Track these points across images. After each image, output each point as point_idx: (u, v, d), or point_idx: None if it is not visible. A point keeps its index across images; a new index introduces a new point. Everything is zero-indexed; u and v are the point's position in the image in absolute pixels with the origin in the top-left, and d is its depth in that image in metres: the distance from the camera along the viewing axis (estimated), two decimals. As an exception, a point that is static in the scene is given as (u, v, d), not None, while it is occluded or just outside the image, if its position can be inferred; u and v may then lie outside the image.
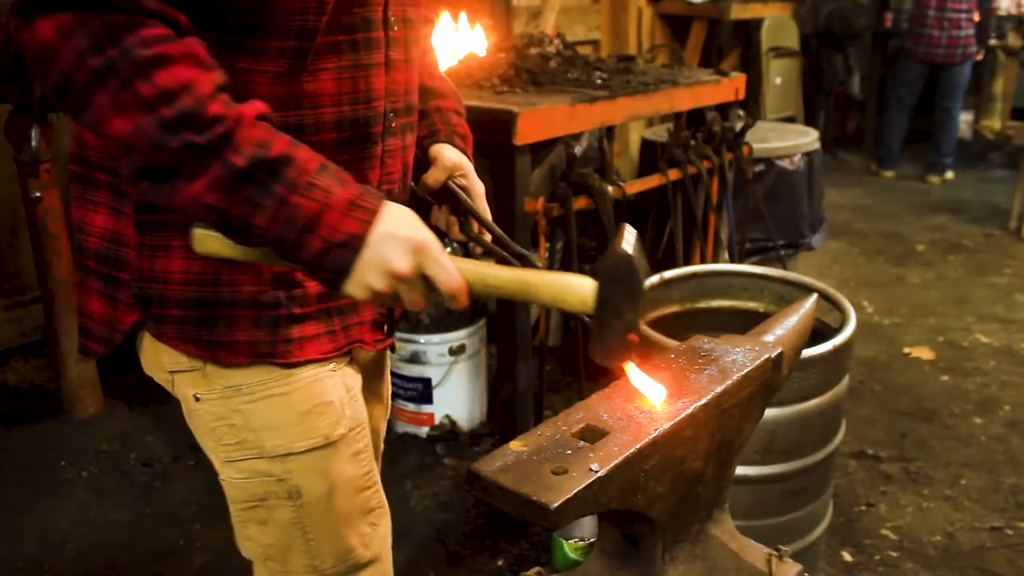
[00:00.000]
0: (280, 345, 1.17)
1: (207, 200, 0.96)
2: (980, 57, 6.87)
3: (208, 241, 1.05)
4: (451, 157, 1.38)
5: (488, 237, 1.39)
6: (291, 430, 1.20)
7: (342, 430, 1.24)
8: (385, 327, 1.35)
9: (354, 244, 0.99)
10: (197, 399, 1.19)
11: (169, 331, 1.16)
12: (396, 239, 1.00)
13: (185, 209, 0.98)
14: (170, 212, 1.10)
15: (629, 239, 1.06)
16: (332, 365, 1.22)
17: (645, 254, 1.07)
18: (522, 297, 1.07)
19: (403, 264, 1.00)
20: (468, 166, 1.41)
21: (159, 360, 1.20)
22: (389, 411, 1.54)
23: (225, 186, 0.95)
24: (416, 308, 1.06)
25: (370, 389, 1.41)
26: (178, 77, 0.93)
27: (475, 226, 1.40)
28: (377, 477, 1.32)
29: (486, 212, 1.41)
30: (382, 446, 1.54)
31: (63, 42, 0.91)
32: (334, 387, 1.22)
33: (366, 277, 1.00)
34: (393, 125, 1.23)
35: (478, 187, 1.42)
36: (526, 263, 1.27)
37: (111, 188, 1.16)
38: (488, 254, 1.35)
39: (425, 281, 1.03)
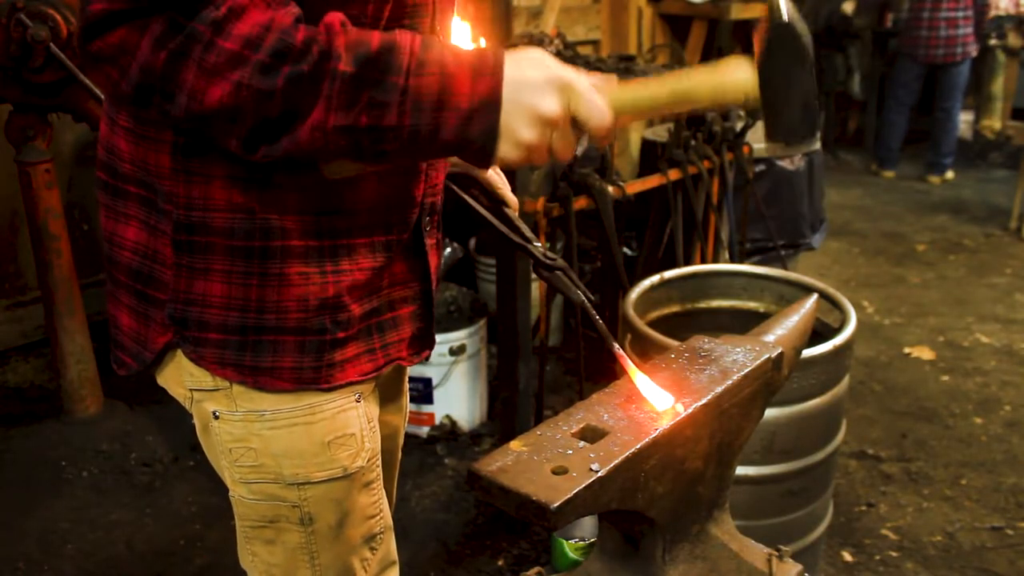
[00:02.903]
0: (324, 370, 1.14)
1: (332, 123, 0.92)
2: (975, 54, 6.87)
3: (337, 168, 1.02)
4: None
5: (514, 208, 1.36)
6: (312, 460, 1.17)
7: (360, 462, 1.22)
8: (423, 339, 1.31)
9: (491, 103, 0.94)
10: (216, 416, 1.16)
11: (209, 355, 1.12)
12: (536, 84, 0.96)
13: (315, 148, 0.94)
14: (213, 234, 1.07)
15: (783, 4, 0.98)
16: (358, 395, 1.20)
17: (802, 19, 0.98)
18: (676, 105, 1.01)
19: (552, 105, 0.96)
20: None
21: (180, 376, 1.17)
22: (407, 419, 1.52)
23: (343, 100, 0.91)
24: (567, 158, 1.01)
25: (390, 399, 1.40)
26: (255, 21, 0.90)
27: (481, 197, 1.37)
28: (384, 503, 1.31)
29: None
30: (400, 455, 1.52)
31: (139, 36, 0.89)
32: (357, 419, 1.20)
33: (516, 132, 0.96)
34: None
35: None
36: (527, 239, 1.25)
37: (144, 202, 1.11)
38: (486, 243, 1.33)
39: (574, 123, 0.98)
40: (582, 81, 0.99)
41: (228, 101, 0.90)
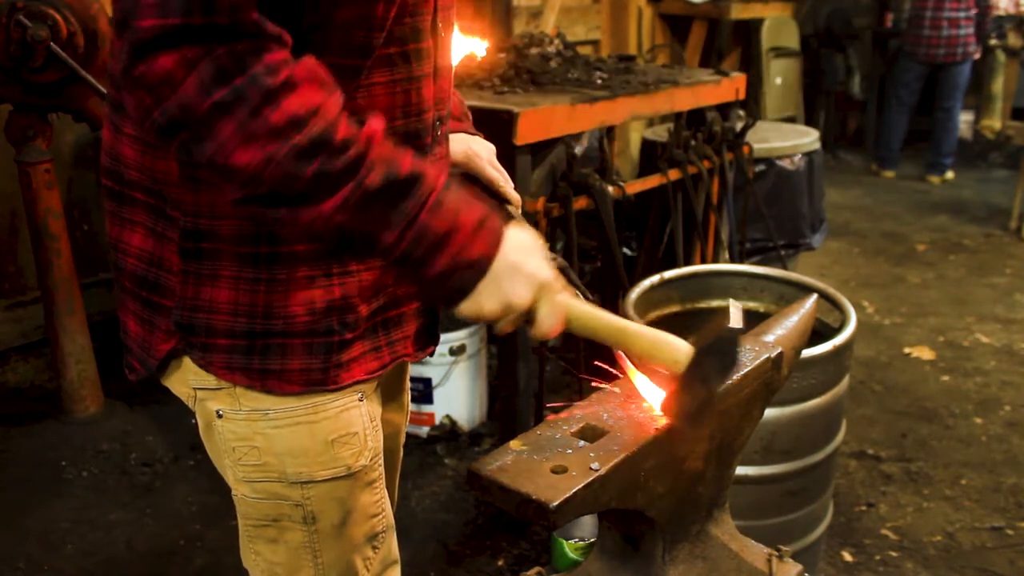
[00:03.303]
0: (332, 371, 1.15)
1: (335, 220, 0.95)
2: (978, 56, 6.87)
3: None
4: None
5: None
6: (315, 459, 1.18)
7: (364, 461, 1.22)
8: (428, 336, 1.32)
9: (480, 267, 1.00)
10: (220, 415, 1.16)
11: (217, 360, 1.12)
12: (522, 273, 1.02)
13: (308, 228, 0.96)
14: (220, 241, 1.07)
15: (737, 316, 1.08)
16: (361, 395, 1.21)
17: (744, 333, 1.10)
18: (614, 345, 1.09)
19: (523, 299, 1.02)
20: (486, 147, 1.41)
21: (184, 376, 1.17)
22: (408, 418, 1.52)
23: (356, 207, 0.94)
24: (501, 334, 1.08)
25: (392, 398, 1.40)
26: (306, 102, 0.91)
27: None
28: (387, 502, 1.31)
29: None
30: (402, 453, 1.52)
31: (187, 74, 0.88)
32: (360, 417, 1.21)
33: (482, 301, 1.02)
34: (439, 134, 1.22)
35: (488, 147, 1.41)
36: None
37: (150, 209, 1.11)
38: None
39: (530, 315, 1.05)
40: (555, 288, 1.05)
41: (253, 168, 0.91)
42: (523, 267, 1.02)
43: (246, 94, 0.88)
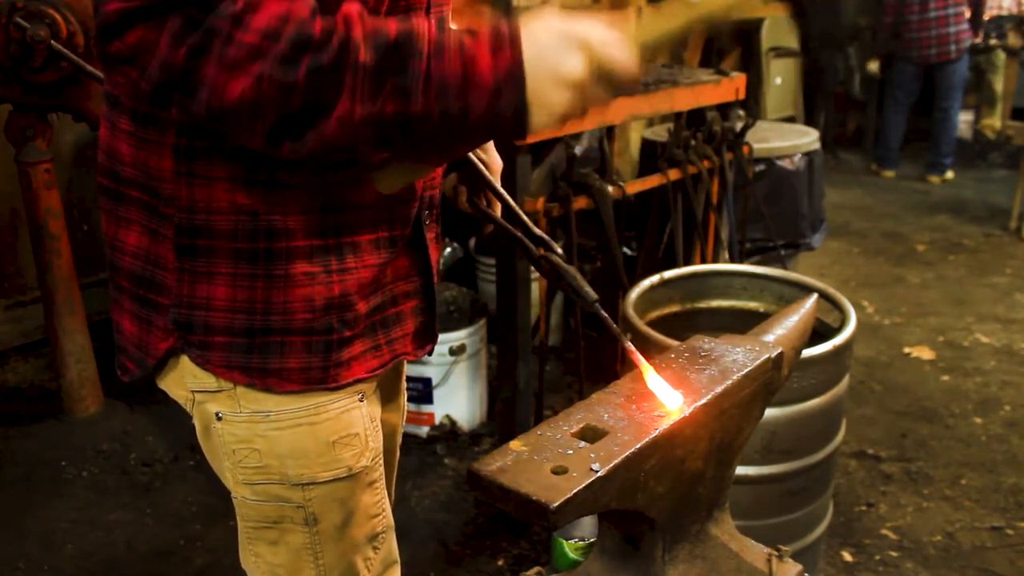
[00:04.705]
0: (331, 370, 1.14)
1: (358, 115, 0.91)
2: (978, 40, 6.87)
3: (386, 177, 1.02)
4: None
5: (498, 211, 1.37)
6: (317, 460, 1.17)
7: (365, 462, 1.22)
8: (426, 334, 1.31)
9: (515, 76, 0.93)
10: (219, 418, 1.16)
11: (215, 358, 1.11)
12: (555, 47, 0.94)
13: (343, 141, 0.93)
14: (216, 237, 1.06)
15: None
16: (361, 395, 1.20)
17: None
18: (701, 24, 1.02)
19: (576, 65, 0.95)
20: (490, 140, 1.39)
21: (182, 379, 1.16)
22: (405, 418, 1.52)
23: (367, 90, 0.90)
24: (604, 111, 1.01)
25: (389, 398, 1.40)
26: (273, 13, 0.89)
27: (483, 200, 1.38)
28: (387, 502, 1.31)
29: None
30: (398, 454, 1.52)
31: (157, 34, 0.88)
32: (361, 418, 1.20)
33: (547, 99, 0.94)
34: None
35: (497, 162, 1.40)
36: (547, 248, 1.27)
37: (145, 206, 1.10)
38: (495, 232, 1.34)
39: (601, 75, 0.97)
40: (598, 32, 0.97)
41: (249, 95, 0.89)
42: (555, 41, 0.95)
43: (214, 27, 0.87)
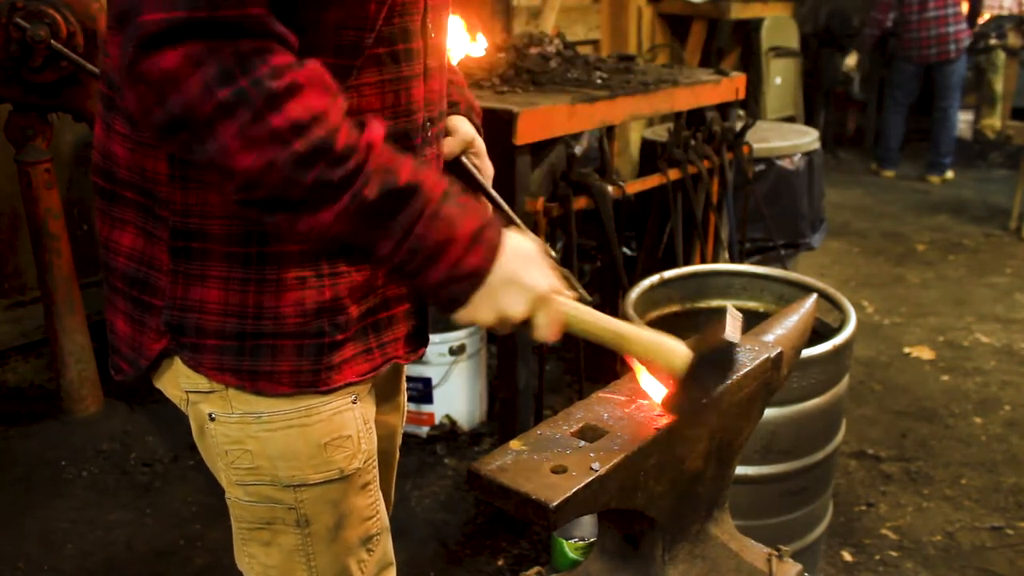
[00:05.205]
0: (323, 373, 1.15)
1: (333, 231, 0.95)
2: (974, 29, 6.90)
3: None
4: (469, 131, 1.36)
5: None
6: (308, 462, 1.17)
7: (357, 464, 1.22)
8: (418, 337, 1.32)
9: (475, 279, 1.00)
10: (212, 418, 1.16)
11: (207, 361, 1.12)
12: (518, 285, 1.02)
13: (306, 236, 0.97)
14: (210, 240, 1.07)
15: (735, 326, 1.10)
16: (354, 397, 1.20)
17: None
18: (614, 348, 1.10)
19: (520, 312, 1.03)
20: (481, 145, 1.40)
21: (176, 379, 1.16)
22: (404, 419, 1.52)
23: (353, 217, 0.94)
24: (500, 335, 1.11)
25: (387, 399, 1.40)
26: (309, 107, 0.90)
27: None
28: (381, 504, 1.31)
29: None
30: (398, 455, 1.51)
31: (191, 72, 0.87)
32: (353, 420, 1.20)
33: (478, 311, 1.03)
34: (429, 134, 1.21)
35: (488, 168, 1.41)
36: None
37: (140, 208, 1.11)
38: None
39: (527, 325, 1.06)
40: (555, 297, 1.05)
41: (254, 173, 0.91)
42: (520, 278, 1.02)
43: (250, 97, 0.88)
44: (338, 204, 0.93)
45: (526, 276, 1.03)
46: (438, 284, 1.00)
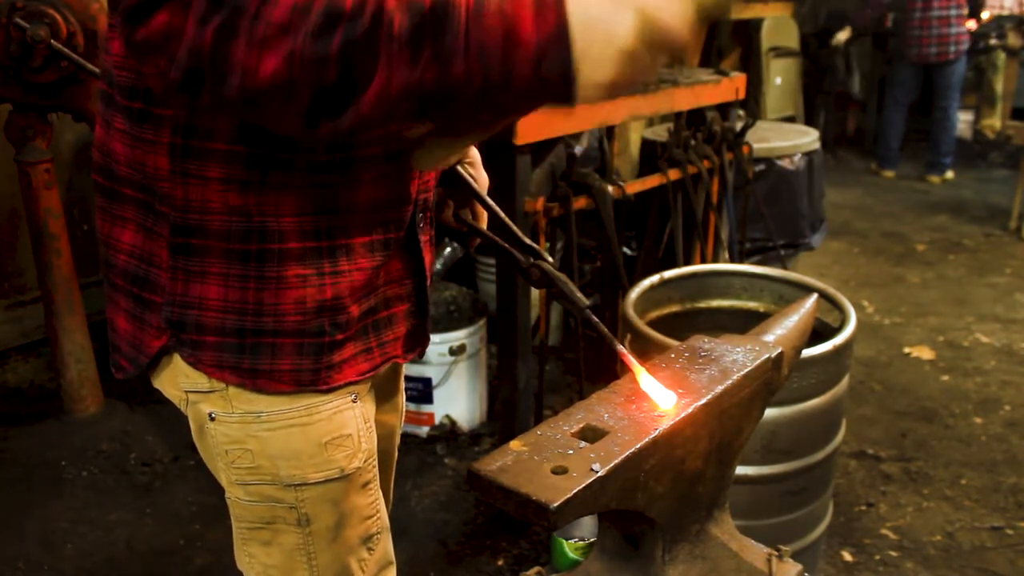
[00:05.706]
0: (323, 372, 1.14)
1: (396, 86, 0.85)
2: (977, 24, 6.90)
3: (424, 155, 1.02)
4: None
5: (484, 223, 1.37)
6: (308, 461, 1.17)
7: (357, 463, 1.21)
8: (417, 336, 1.31)
9: (560, 37, 0.84)
10: (212, 418, 1.16)
11: (206, 358, 1.11)
12: (604, 7, 0.85)
13: (382, 116, 0.88)
14: (210, 237, 1.06)
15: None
16: (355, 396, 1.20)
17: None
18: None
19: (626, 30, 0.86)
20: (477, 155, 1.39)
21: (175, 378, 1.16)
22: (403, 419, 1.52)
23: (404, 58, 0.85)
24: (651, 80, 0.94)
25: (386, 399, 1.40)
26: None
27: (469, 215, 1.37)
28: (382, 503, 1.31)
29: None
30: (396, 454, 1.52)
31: (182, 19, 0.85)
32: (353, 419, 1.20)
33: (597, 65, 0.86)
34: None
35: (484, 179, 1.40)
36: (536, 256, 1.27)
37: (140, 204, 1.10)
38: (484, 245, 1.35)
39: (654, 38, 0.88)
40: None
41: (281, 75, 0.85)
42: (604, 4, 0.86)
43: (240, 5, 0.84)
44: (380, 57, 0.85)
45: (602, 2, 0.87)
46: (534, 69, 0.85)
